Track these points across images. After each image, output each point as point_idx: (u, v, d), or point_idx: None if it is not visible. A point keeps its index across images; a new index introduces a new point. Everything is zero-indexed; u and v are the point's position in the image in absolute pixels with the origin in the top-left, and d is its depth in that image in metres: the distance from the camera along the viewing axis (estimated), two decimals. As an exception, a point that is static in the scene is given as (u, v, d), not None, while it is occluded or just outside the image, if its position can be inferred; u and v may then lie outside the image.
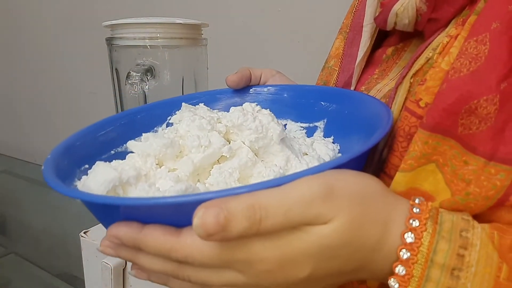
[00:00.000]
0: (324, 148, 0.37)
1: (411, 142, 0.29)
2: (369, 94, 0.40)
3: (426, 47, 0.32)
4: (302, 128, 0.43)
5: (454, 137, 0.27)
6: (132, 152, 0.34)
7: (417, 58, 0.32)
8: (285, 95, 0.44)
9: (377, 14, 0.39)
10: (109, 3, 1.29)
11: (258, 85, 0.45)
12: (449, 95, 0.26)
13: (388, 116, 0.30)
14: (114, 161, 0.33)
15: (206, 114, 0.37)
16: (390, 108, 0.33)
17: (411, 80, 0.32)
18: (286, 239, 0.22)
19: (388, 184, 0.30)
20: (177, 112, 0.41)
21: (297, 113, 0.43)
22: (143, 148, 0.33)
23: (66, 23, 1.44)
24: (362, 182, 0.25)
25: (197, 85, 0.61)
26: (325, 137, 0.41)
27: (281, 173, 0.31)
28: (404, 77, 0.33)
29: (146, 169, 0.32)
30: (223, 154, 0.33)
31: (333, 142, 0.39)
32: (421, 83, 0.30)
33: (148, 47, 0.55)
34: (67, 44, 1.46)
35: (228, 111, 0.40)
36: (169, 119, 0.42)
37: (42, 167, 0.29)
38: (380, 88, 0.38)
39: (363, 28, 0.40)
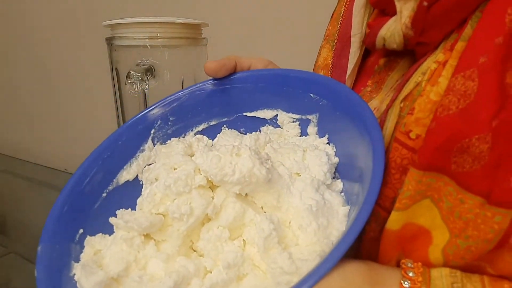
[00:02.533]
0: (317, 162, 0.35)
1: (404, 174, 0.28)
2: None
3: (415, 69, 0.31)
4: (294, 120, 0.41)
5: (448, 174, 0.26)
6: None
7: (406, 81, 0.31)
8: (268, 83, 0.40)
9: (364, 24, 0.38)
10: (109, 3, 1.29)
11: (240, 72, 0.41)
12: (440, 133, 0.26)
13: (379, 171, 0.27)
14: (99, 236, 0.33)
15: (181, 164, 0.35)
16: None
17: (401, 105, 0.31)
18: None
19: (383, 217, 0.30)
20: (150, 165, 0.38)
21: (286, 103, 0.41)
22: (127, 230, 0.32)
23: (66, 22, 1.44)
24: None
25: (197, 85, 0.61)
26: (319, 134, 0.39)
27: (271, 222, 0.30)
28: (394, 100, 0.32)
29: (134, 251, 0.32)
30: (209, 215, 0.32)
31: (328, 143, 0.38)
32: (410, 112, 0.29)
33: (148, 46, 0.55)
34: (67, 43, 1.46)
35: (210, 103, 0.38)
36: (143, 178, 0.38)
37: (36, 275, 0.29)
38: (376, 106, 0.36)
39: (351, 39, 0.39)
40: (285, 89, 0.40)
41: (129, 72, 0.55)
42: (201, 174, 0.33)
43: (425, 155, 0.26)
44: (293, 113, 0.41)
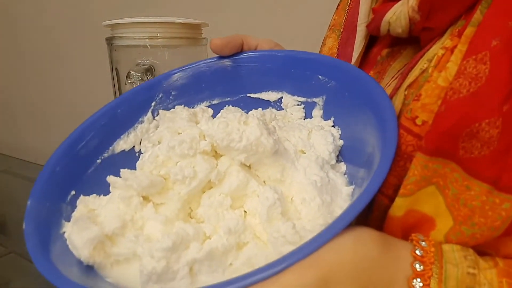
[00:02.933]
0: (322, 141, 0.34)
1: (408, 161, 0.28)
2: None
3: (421, 56, 0.31)
4: (299, 103, 0.40)
5: (455, 160, 0.26)
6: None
7: (411, 68, 0.31)
8: (275, 64, 0.39)
9: (370, 15, 0.38)
10: (109, 2, 1.29)
11: (246, 51, 0.41)
12: (449, 117, 0.25)
13: (391, 150, 0.26)
14: (93, 196, 0.32)
15: (186, 128, 0.34)
16: None
17: (406, 92, 0.30)
18: None
19: (385, 205, 0.30)
20: (154, 131, 0.37)
21: (292, 85, 0.39)
22: (125, 190, 0.31)
23: (66, 22, 1.44)
24: (358, 258, 0.23)
25: (197, 85, 0.61)
26: (324, 118, 0.38)
27: (275, 192, 0.29)
28: (398, 88, 0.31)
29: (131, 211, 0.30)
30: (212, 181, 0.31)
31: (333, 126, 0.37)
32: (416, 98, 0.29)
33: (148, 46, 0.55)
34: (67, 43, 1.46)
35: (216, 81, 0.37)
36: (142, 146, 0.37)
37: (24, 227, 0.28)
38: None
39: (357, 28, 0.39)
40: (292, 71, 0.39)
41: (129, 72, 0.55)
42: (205, 140, 0.32)
43: (433, 139, 0.26)
44: (298, 95, 0.40)
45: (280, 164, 0.32)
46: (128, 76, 0.55)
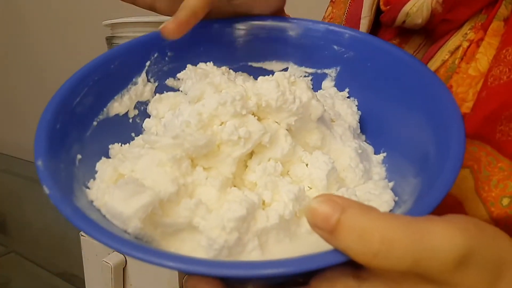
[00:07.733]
0: (349, 111, 0.33)
1: None
2: None
3: (439, 48, 0.32)
4: (307, 74, 0.37)
5: (491, 143, 0.26)
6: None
7: (430, 58, 0.32)
8: (285, 33, 0.36)
9: (373, 8, 0.38)
10: (109, 2, 1.29)
11: (250, 17, 0.36)
12: (490, 102, 0.27)
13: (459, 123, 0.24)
14: (118, 158, 0.28)
15: (228, 86, 0.30)
16: None
17: None
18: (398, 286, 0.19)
19: None
20: (186, 79, 0.32)
21: (301, 55, 0.36)
22: (172, 150, 0.27)
23: (66, 21, 1.44)
24: (499, 250, 0.20)
25: (197, 84, 0.61)
26: (338, 89, 0.36)
27: (326, 160, 0.28)
28: None
29: (182, 175, 0.26)
30: (263, 144, 0.28)
31: (348, 97, 0.35)
32: None
33: (148, 46, 0.55)
34: (67, 42, 1.46)
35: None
36: (151, 110, 0.33)
37: (47, 192, 0.23)
38: None
39: (361, 20, 0.39)
40: (303, 40, 0.36)
41: (129, 71, 0.55)
42: (251, 100, 0.29)
43: (473, 123, 0.27)
44: (306, 66, 0.36)
45: (321, 131, 0.30)
46: (128, 75, 0.55)
